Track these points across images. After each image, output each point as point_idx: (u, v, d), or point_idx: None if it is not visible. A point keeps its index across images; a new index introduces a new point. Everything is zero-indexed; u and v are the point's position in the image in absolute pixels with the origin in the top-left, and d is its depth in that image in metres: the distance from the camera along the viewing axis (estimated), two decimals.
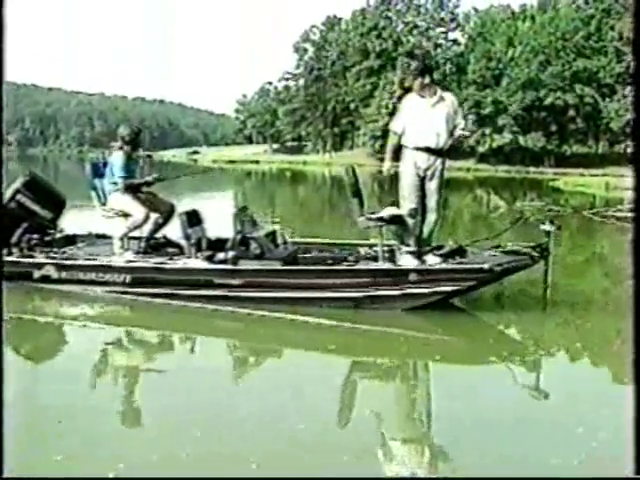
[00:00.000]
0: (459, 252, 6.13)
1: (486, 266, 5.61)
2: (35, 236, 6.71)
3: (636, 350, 3.65)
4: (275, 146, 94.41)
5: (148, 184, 6.82)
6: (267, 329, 5.70)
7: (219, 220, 6.97)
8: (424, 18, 76.42)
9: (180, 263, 6.18)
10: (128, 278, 6.15)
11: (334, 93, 78.53)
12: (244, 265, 5.95)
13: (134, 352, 5.23)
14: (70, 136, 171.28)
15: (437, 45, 74.57)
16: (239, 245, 6.04)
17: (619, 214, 14.86)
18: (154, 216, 6.68)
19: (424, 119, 5.85)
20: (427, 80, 5.89)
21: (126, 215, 6.60)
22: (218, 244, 6.27)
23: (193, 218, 6.45)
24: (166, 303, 6.02)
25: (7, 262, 6.25)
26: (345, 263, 6.10)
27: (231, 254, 5.99)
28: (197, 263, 6.07)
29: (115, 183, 6.59)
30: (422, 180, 5.93)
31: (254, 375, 4.67)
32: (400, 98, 6.72)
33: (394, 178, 6.05)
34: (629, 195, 16.44)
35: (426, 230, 6.00)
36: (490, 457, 3.25)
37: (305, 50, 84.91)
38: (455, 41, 75.56)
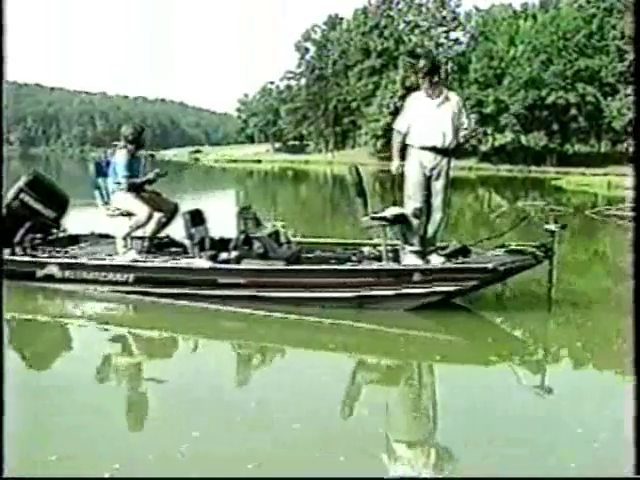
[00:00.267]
0: (463, 252, 6.11)
1: (490, 266, 5.60)
2: (38, 235, 6.72)
3: (636, 350, 3.64)
4: (277, 145, 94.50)
5: (150, 182, 6.81)
6: (270, 329, 5.70)
7: (222, 219, 6.96)
8: (426, 17, 76.40)
9: (183, 263, 6.17)
10: (131, 277, 6.15)
11: (336, 92, 78.55)
12: (247, 265, 5.94)
13: (136, 351, 5.22)
14: (72, 135, 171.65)
15: (439, 44, 74.53)
16: (242, 245, 6.04)
17: (621, 213, 14.85)
18: (157, 215, 6.67)
19: (430, 119, 5.83)
20: (435, 79, 5.89)
21: (130, 214, 6.60)
22: (221, 244, 6.27)
23: (196, 217, 6.45)
24: (169, 303, 6.02)
25: (10, 261, 6.25)
26: (348, 263, 6.10)
27: (234, 254, 6.00)
28: (200, 262, 6.06)
29: (118, 182, 6.59)
30: (428, 179, 5.92)
31: (255, 374, 4.67)
32: (403, 97, 6.71)
33: (397, 177, 6.05)
34: (631, 194, 16.41)
35: (431, 229, 5.98)
36: (493, 457, 3.24)
37: (307, 49, 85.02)
38: (457, 40, 75.57)
